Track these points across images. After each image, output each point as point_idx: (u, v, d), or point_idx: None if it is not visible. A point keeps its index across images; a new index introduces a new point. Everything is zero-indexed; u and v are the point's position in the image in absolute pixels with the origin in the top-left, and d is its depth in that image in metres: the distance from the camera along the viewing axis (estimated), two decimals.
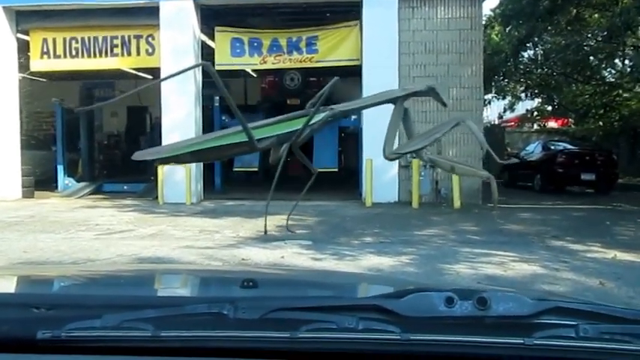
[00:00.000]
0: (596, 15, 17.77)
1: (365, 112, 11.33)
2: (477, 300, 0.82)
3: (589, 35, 17.75)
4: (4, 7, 11.26)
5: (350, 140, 13.44)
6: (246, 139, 1.66)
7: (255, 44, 11.46)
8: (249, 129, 1.64)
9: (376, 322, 0.81)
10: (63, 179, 12.75)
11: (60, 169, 12.76)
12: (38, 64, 11.70)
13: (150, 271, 1.47)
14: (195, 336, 0.80)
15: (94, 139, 14.69)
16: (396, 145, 1.84)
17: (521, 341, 0.78)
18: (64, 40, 11.51)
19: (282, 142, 1.76)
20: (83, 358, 0.80)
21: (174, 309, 0.83)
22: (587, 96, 20.45)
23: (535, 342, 0.78)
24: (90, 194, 12.26)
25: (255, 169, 12.66)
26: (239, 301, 0.82)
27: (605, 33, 16.35)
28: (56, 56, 11.60)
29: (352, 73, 12.05)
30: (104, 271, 1.57)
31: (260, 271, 1.90)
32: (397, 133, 1.79)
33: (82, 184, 12.76)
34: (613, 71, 20.19)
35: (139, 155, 1.90)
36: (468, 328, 0.81)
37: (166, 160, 1.95)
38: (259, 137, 1.70)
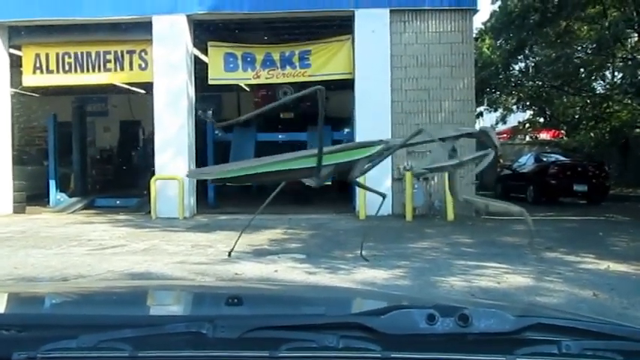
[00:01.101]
0: (585, 27, 18.00)
1: (358, 124, 11.41)
2: (458, 317, 0.81)
3: (579, 48, 17.97)
4: None
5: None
6: (306, 165, 1.68)
7: (249, 59, 11.51)
8: (320, 156, 1.64)
9: (357, 340, 0.80)
10: (55, 194, 12.68)
11: (52, 184, 12.69)
12: (31, 79, 11.69)
13: (132, 289, 1.45)
14: (173, 356, 0.78)
15: (87, 154, 14.64)
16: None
17: (503, 358, 0.77)
18: (57, 55, 11.51)
19: (339, 172, 1.79)
20: None
21: (153, 328, 0.82)
22: (577, 108, 20.64)
23: (517, 359, 0.77)
24: (82, 209, 12.19)
25: (249, 184, 12.63)
26: (218, 320, 0.81)
27: (595, 45, 16.56)
28: (49, 71, 11.59)
29: (345, 87, 12.11)
30: (84, 289, 1.55)
31: (247, 287, 1.89)
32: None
33: (75, 199, 12.68)
34: (603, 83, 20.40)
35: (193, 173, 1.89)
36: (450, 346, 0.80)
37: (222, 181, 1.95)
38: (324, 164, 1.71)
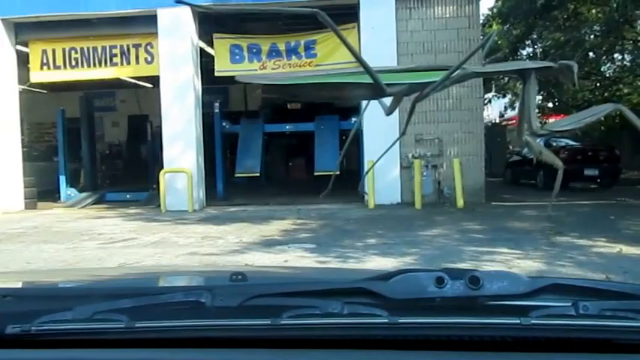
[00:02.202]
0: (593, 10, 17.76)
1: (365, 114, 11.29)
2: (468, 279, 0.77)
3: (587, 31, 17.75)
4: (2, 20, 11.29)
5: (351, 143, 13.42)
6: (374, 82, 1.47)
7: (254, 50, 11.47)
8: (376, 74, 1.46)
9: (362, 305, 0.76)
10: (65, 190, 12.76)
11: (62, 179, 12.77)
12: (38, 75, 11.72)
13: (132, 268, 1.44)
14: (171, 326, 0.76)
15: (96, 149, 14.70)
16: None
17: (518, 321, 0.73)
18: (64, 50, 11.53)
19: (411, 93, 1.58)
20: (54, 352, 0.77)
21: (149, 298, 0.79)
22: (587, 91, 20.43)
23: (532, 322, 0.73)
24: (93, 204, 12.26)
25: (257, 175, 12.64)
26: (217, 289, 0.78)
27: (604, 28, 16.34)
28: (56, 67, 11.62)
29: None
30: (83, 268, 1.54)
31: (252, 269, 1.87)
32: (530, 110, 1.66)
33: (85, 194, 12.76)
34: (613, 66, 20.17)
35: (244, 78, 1.60)
36: (460, 310, 0.76)
37: (276, 91, 1.71)
38: (390, 82, 1.53)
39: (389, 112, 1.62)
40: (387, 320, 0.74)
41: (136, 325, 0.75)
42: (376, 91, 1.48)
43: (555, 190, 1.74)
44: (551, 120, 24.48)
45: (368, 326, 0.75)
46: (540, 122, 1.67)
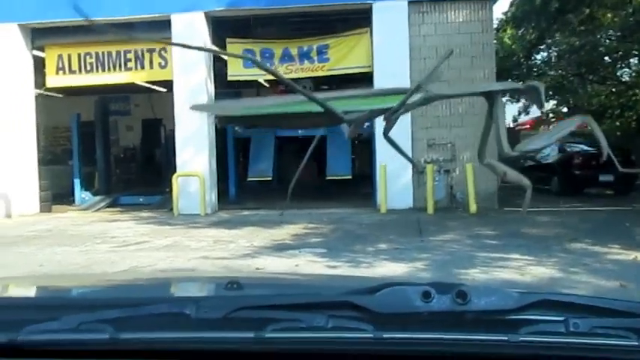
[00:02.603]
0: (609, 14, 17.59)
1: (378, 119, 11.29)
2: (456, 294, 0.75)
3: (602, 35, 17.58)
4: (19, 25, 11.45)
5: (363, 147, 13.41)
6: (335, 109, 1.43)
7: (267, 54, 11.52)
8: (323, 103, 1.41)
9: (347, 319, 0.75)
10: (80, 193, 12.88)
11: (77, 183, 12.90)
12: (54, 80, 11.87)
13: (124, 274, 1.45)
14: (154, 338, 0.76)
15: (110, 153, 14.83)
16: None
17: (505, 338, 0.71)
18: (79, 55, 11.67)
19: (372, 118, 1.54)
20: None
21: (135, 309, 0.79)
22: (602, 96, 20.20)
23: (521, 338, 0.71)
24: (106, 207, 12.37)
25: (269, 179, 12.66)
26: (202, 301, 0.78)
27: (619, 32, 16.18)
28: (71, 72, 11.76)
29: (364, 80, 12.05)
30: (73, 276, 1.54)
31: (251, 276, 1.86)
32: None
33: (99, 197, 12.87)
34: (629, 71, 19.96)
35: (198, 107, 1.61)
36: (447, 325, 0.75)
37: (228, 119, 1.66)
38: (349, 110, 1.46)
39: (350, 135, 1.60)
40: (371, 335, 0.73)
41: (121, 336, 0.75)
42: (334, 119, 1.44)
43: (525, 204, 1.70)
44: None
45: (352, 341, 0.74)
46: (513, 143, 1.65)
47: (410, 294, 0.77)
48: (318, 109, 1.45)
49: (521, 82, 1.58)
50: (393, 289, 0.79)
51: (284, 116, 1.56)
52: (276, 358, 0.74)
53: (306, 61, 11.37)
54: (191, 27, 10.99)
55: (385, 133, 1.56)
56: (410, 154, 10.76)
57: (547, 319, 0.77)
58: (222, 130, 12.28)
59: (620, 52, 17.95)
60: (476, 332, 0.74)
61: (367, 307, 0.76)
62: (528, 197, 1.60)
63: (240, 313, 0.77)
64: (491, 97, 1.59)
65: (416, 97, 1.52)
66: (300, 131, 13.26)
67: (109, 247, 6.99)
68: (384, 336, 0.72)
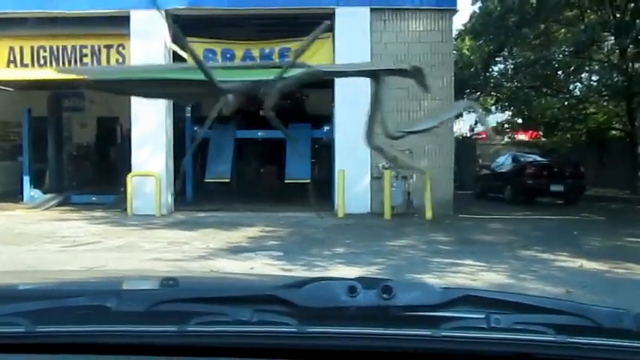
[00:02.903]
0: (563, 30, 18.23)
1: (338, 123, 11.40)
2: (381, 289, 0.76)
3: (557, 50, 18.19)
4: None
5: (323, 152, 13.45)
6: (206, 79, 1.32)
7: (228, 55, 11.42)
8: (210, 70, 1.34)
9: (272, 313, 0.75)
10: (29, 190, 12.44)
11: (26, 179, 12.45)
12: (4, 72, 11.44)
13: (59, 272, 1.39)
14: (73, 331, 0.73)
15: (63, 150, 14.39)
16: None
17: (429, 333, 0.72)
18: (32, 48, 11.29)
19: (248, 91, 1.43)
20: None
21: (54, 302, 0.77)
22: (555, 109, 20.91)
23: (443, 333, 0.72)
24: (57, 206, 11.98)
25: (227, 180, 12.53)
26: (124, 293, 0.76)
27: (572, 48, 16.78)
28: (23, 65, 11.36)
29: (325, 85, 12.10)
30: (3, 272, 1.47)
31: (190, 275, 1.83)
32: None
33: (49, 195, 12.46)
34: (580, 85, 20.71)
35: (63, 70, 1.40)
36: (372, 319, 0.75)
37: (99, 85, 1.54)
38: (221, 79, 1.37)
39: (226, 111, 1.51)
40: (296, 329, 0.72)
41: (37, 329, 0.72)
42: (209, 89, 1.38)
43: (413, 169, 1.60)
44: (520, 136, 24.95)
45: (276, 335, 0.73)
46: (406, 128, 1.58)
47: (336, 289, 0.77)
48: (194, 77, 1.37)
49: (408, 65, 1.49)
50: (320, 283, 0.79)
51: (156, 83, 1.46)
52: (200, 352, 0.72)
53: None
54: (150, 24, 10.79)
55: (266, 109, 1.46)
56: (369, 159, 10.83)
57: (469, 315, 0.78)
58: (181, 130, 12.09)
59: (573, 67, 18.60)
60: (400, 327, 0.74)
61: (293, 301, 0.75)
62: (412, 165, 1.51)
63: (163, 306, 0.75)
64: (377, 77, 1.53)
65: (296, 71, 1.45)
66: (259, 133, 13.23)
67: (58, 246, 6.77)
68: (309, 330, 0.72)
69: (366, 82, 9.95)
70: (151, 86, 1.46)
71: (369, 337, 0.73)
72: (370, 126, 1.52)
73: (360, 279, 0.78)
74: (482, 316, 0.75)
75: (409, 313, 0.77)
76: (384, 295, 0.75)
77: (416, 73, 1.52)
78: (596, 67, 18.42)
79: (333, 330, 0.73)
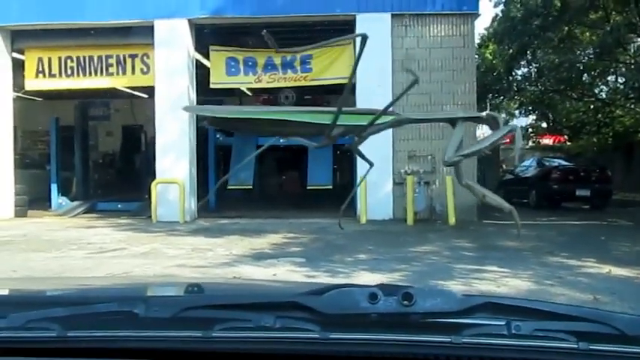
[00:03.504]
0: (588, 32, 17.97)
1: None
2: (402, 296, 0.77)
3: (581, 52, 17.95)
4: None
5: (344, 158, 13.44)
6: (319, 121, 1.59)
7: (250, 63, 11.52)
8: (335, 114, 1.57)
9: (294, 320, 0.77)
10: (57, 198, 12.69)
11: (54, 187, 12.71)
12: (33, 83, 11.71)
13: (85, 279, 1.43)
14: (103, 336, 0.76)
15: (89, 158, 14.66)
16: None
17: (449, 339, 0.73)
18: (60, 59, 11.54)
19: (347, 134, 1.69)
20: None
21: (84, 308, 0.79)
22: (580, 112, 20.60)
23: (464, 340, 0.73)
24: (84, 213, 12.20)
25: (250, 187, 12.62)
26: (151, 300, 0.78)
27: (598, 50, 16.52)
28: (51, 75, 11.62)
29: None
30: (28, 278, 1.52)
31: (214, 281, 1.85)
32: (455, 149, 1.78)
33: (76, 202, 12.69)
34: (606, 88, 20.36)
35: (191, 109, 1.86)
36: (392, 326, 0.76)
37: (219, 123, 1.85)
38: (328, 123, 1.61)
39: (319, 146, 1.74)
40: (318, 335, 0.74)
41: (68, 334, 0.75)
42: (319, 129, 1.62)
43: (518, 227, 1.90)
44: (545, 140, 24.65)
45: (299, 341, 0.75)
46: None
47: (357, 295, 0.78)
48: (301, 119, 1.62)
49: (487, 110, 1.82)
50: (341, 290, 0.80)
51: (269, 122, 1.68)
52: (224, 357, 0.74)
53: (289, 71, 11.40)
54: (174, 33, 10.96)
55: (354, 147, 1.74)
56: (391, 165, 10.80)
57: (490, 322, 0.79)
58: (204, 137, 12.22)
59: (598, 70, 18.32)
60: (420, 334, 0.75)
61: (314, 307, 0.77)
62: (517, 218, 1.72)
63: (189, 312, 0.77)
64: (454, 122, 1.75)
65: (387, 118, 1.68)
66: (281, 140, 13.27)
67: (84, 253, 6.89)
68: (331, 336, 0.73)
69: (387, 89, 9.92)
70: (267, 125, 1.71)
71: (390, 343, 0.74)
72: (457, 168, 1.78)
73: (380, 286, 0.80)
74: (502, 323, 0.76)
75: (430, 319, 0.78)
76: (405, 302, 0.76)
77: (491, 120, 1.77)
78: (623, 69, 18.10)
79: (355, 336, 0.74)
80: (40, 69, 11.63)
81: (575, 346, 0.73)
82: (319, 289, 0.82)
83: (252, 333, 0.75)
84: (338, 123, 1.61)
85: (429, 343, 0.74)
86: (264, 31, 1.44)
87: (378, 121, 1.63)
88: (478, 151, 1.88)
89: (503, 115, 22.01)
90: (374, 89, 10.69)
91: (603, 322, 0.78)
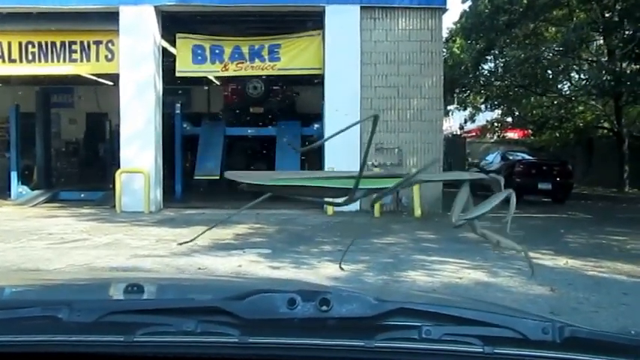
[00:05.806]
0: (552, 29, 18.35)
1: (327, 122, 11.40)
2: (319, 301, 0.80)
3: (546, 49, 18.31)
4: None
5: (313, 150, 13.45)
6: (345, 186, 1.90)
7: (217, 51, 11.39)
8: (358, 179, 1.90)
9: (215, 324, 0.79)
10: (17, 187, 12.36)
11: (14, 176, 12.37)
12: None
13: (17, 275, 1.42)
14: (24, 341, 0.77)
15: (51, 146, 14.30)
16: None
17: (362, 344, 0.76)
18: (20, 44, 11.20)
19: (367, 195, 2.03)
20: None
21: (8, 312, 0.80)
22: (544, 108, 21.05)
23: (376, 344, 0.77)
24: (45, 202, 11.91)
25: (217, 177, 12.52)
26: (75, 304, 0.80)
27: (561, 47, 16.89)
28: (11, 60, 11.27)
29: (314, 82, 12.11)
30: None
31: (153, 278, 1.86)
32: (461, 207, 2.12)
33: (37, 192, 12.39)
34: (569, 84, 20.85)
35: (231, 175, 2.19)
36: (309, 330, 0.80)
37: (258, 187, 2.16)
38: (358, 187, 1.92)
39: (344, 204, 2.06)
40: (237, 340, 0.77)
41: None
42: (346, 192, 1.93)
43: (532, 267, 2.24)
44: (510, 134, 25.06)
45: (219, 345, 0.77)
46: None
47: (276, 301, 0.82)
48: (334, 185, 1.99)
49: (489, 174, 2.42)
50: (261, 295, 0.84)
51: (304, 188, 2.05)
52: None
53: (256, 60, 11.32)
54: (140, 19, 10.74)
55: (373, 202, 2.34)
56: (358, 158, 10.92)
57: (402, 326, 0.83)
58: (170, 126, 12.06)
59: (562, 66, 18.73)
60: (335, 338, 0.78)
61: (235, 312, 0.80)
62: (529, 258, 2.04)
63: (112, 317, 0.79)
64: (460, 183, 2.17)
65: (400, 180, 2.09)
66: (249, 130, 13.21)
67: (45, 244, 6.74)
68: (250, 340, 0.76)
69: (355, 81, 9.91)
70: (300, 189, 2.08)
71: (306, 347, 0.77)
72: (472, 222, 2.15)
73: (299, 291, 0.83)
74: (414, 327, 0.80)
75: (345, 324, 0.82)
76: (323, 307, 0.80)
77: (493, 182, 2.12)
78: (585, 67, 18.56)
79: (272, 340, 0.77)
80: (0, 54, 11.27)
81: (481, 350, 0.77)
82: (242, 293, 0.85)
83: (173, 337, 0.77)
84: (364, 187, 1.94)
85: (343, 347, 0.77)
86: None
87: (394, 183, 2.00)
88: (483, 214, 2.17)
89: (469, 109, 22.36)
90: (342, 81, 10.72)
91: (509, 327, 0.83)
